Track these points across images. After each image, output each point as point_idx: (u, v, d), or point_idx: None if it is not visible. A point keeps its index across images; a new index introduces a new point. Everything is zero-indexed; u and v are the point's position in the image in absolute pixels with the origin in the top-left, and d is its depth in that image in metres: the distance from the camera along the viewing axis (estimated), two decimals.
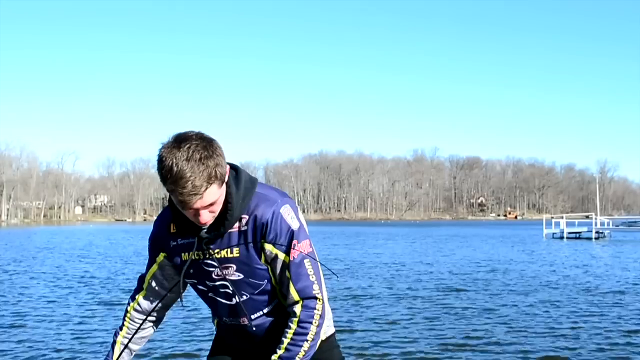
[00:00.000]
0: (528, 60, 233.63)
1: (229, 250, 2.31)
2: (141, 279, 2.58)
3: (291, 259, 2.30)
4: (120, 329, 2.58)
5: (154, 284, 2.52)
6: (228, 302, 2.41)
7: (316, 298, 2.33)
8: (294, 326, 2.31)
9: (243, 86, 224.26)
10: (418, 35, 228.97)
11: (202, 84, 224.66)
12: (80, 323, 10.82)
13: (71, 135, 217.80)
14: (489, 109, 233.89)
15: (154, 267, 2.51)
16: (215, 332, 2.74)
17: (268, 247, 2.29)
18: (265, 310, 2.42)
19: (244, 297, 2.38)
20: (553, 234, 50.11)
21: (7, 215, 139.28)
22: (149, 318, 2.57)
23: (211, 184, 2.10)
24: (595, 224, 49.43)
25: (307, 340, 2.30)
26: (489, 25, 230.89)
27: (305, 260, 2.33)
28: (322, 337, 2.44)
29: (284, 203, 2.33)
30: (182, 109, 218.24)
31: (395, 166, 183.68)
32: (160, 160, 2.09)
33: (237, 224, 2.29)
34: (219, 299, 2.42)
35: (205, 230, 2.29)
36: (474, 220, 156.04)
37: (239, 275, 2.33)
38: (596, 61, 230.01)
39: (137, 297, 2.57)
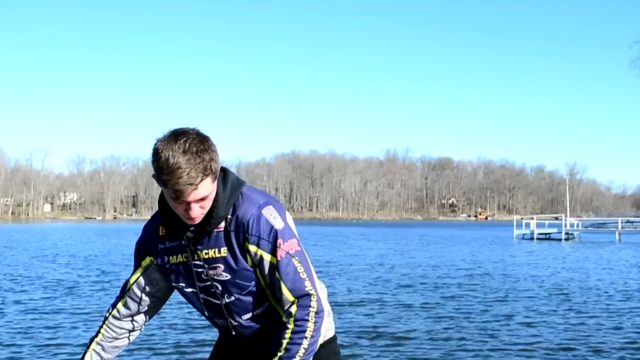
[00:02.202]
0: (499, 63, 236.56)
1: (216, 250, 2.30)
2: (124, 285, 2.52)
3: (278, 258, 2.27)
4: (96, 335, 2.52)
5: (136, 289, 2.47)
6: (217, 302, 2.39)
7: (309, 295, 2.29)
8: (291, 325, 2.28)
9: (215, 85, 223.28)
10: (391, 37, 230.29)
11: (173, 82, 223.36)
12: (47, 331, 10.34)
13: (41, 132, 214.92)
14: (461, 110, 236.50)
15: (139, 271, 2.47)
16: (218, 336, 2.68)
17: (252, 248, 2.28)
18: (255, 312, 2.40)
19: (232, 298, 2.36)
20: (523, 235, 50.68)
21: None
22: (127, 326, 2.53)
23: (207, 175, 2.12)
24: (565, 225, 50.06)
25: (305, 338, 2.26)
26: (461, 27, 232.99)
27: (294, 259, 2.29)
28: (322, 336, 2.39)
29: (267, 204, 2.32)
30: (153, 107, 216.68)
31: (368, 166, 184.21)
32: (156, 153, 2.11)
33: (222, 224, 2.29)
34: (210, 298, 2.40)
35: (191, 229, 2.29)
36: (445, 221, 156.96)
37: (226, 276, 2.32)
38: (565, 65, 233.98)
39: (118, 304, 2.51)
